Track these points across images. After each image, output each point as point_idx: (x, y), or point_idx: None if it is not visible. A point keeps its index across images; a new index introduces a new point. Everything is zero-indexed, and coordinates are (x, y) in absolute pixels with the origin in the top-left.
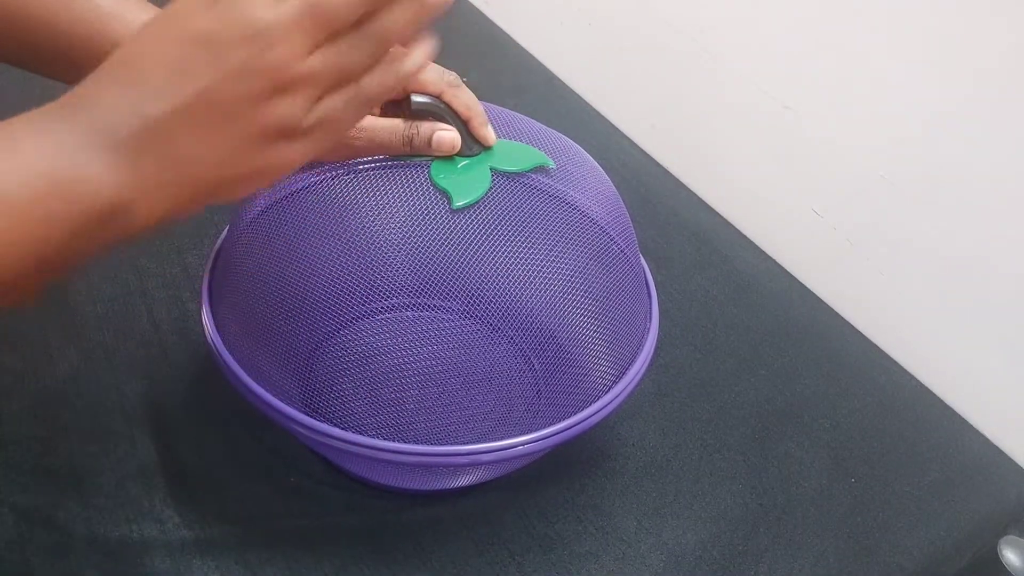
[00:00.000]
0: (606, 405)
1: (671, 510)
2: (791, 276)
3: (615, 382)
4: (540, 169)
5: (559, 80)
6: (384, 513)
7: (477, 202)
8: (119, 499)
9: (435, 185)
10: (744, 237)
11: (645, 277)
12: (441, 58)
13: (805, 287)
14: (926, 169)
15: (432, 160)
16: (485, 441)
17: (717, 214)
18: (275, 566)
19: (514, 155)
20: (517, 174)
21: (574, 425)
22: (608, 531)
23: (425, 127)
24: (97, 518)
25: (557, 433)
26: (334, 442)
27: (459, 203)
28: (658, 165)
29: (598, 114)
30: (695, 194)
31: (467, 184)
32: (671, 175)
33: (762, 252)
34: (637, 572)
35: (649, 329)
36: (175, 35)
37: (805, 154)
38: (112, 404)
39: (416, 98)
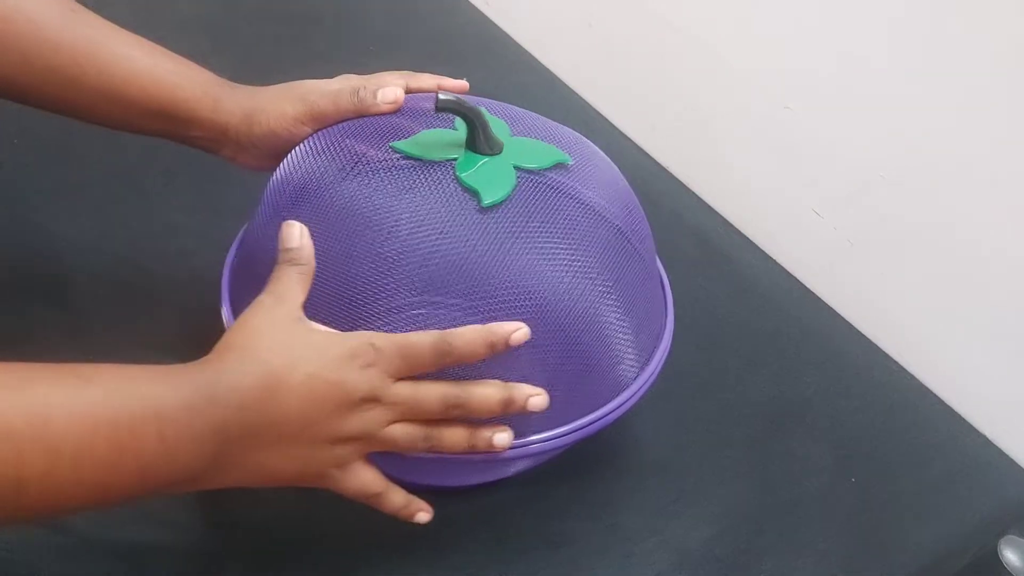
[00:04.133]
0: (624, 402)
1: (676, 508)
2: (791, 276)
3: (634, 379)
4: (559, 166)
5: (559, 80)
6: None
7: (505, 200)
8: None
9: (462, 184)
10: (745, 237)
11: (659, 276)
12: (441, 58)
13: (805, 287)
14: (926, 169)
15: (454, 159)
16: None
17: (718, 214)
18: (276, 566)
19: (534, 152)
20: (536, 172)
21: (591, 423)
22: (614, 529)
23: (373, 83)
24: (101, 520)
25: (575, 431)
26: None
27: (488, 201)
28: (659, 165)
29: (598, 114)
30: (696, 194)
31: (494, 182)
32: (672, 176)
33: (763, 252)
34: (643, 570)
35: (665, 326)
36: (329, 396)
37: (805, 154)
38: None
39: (443, 96)
